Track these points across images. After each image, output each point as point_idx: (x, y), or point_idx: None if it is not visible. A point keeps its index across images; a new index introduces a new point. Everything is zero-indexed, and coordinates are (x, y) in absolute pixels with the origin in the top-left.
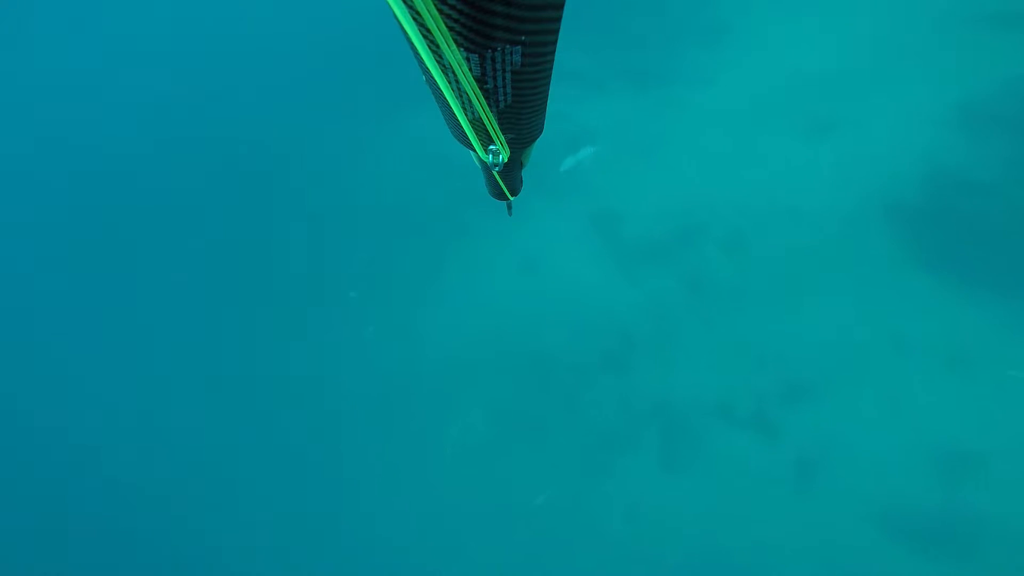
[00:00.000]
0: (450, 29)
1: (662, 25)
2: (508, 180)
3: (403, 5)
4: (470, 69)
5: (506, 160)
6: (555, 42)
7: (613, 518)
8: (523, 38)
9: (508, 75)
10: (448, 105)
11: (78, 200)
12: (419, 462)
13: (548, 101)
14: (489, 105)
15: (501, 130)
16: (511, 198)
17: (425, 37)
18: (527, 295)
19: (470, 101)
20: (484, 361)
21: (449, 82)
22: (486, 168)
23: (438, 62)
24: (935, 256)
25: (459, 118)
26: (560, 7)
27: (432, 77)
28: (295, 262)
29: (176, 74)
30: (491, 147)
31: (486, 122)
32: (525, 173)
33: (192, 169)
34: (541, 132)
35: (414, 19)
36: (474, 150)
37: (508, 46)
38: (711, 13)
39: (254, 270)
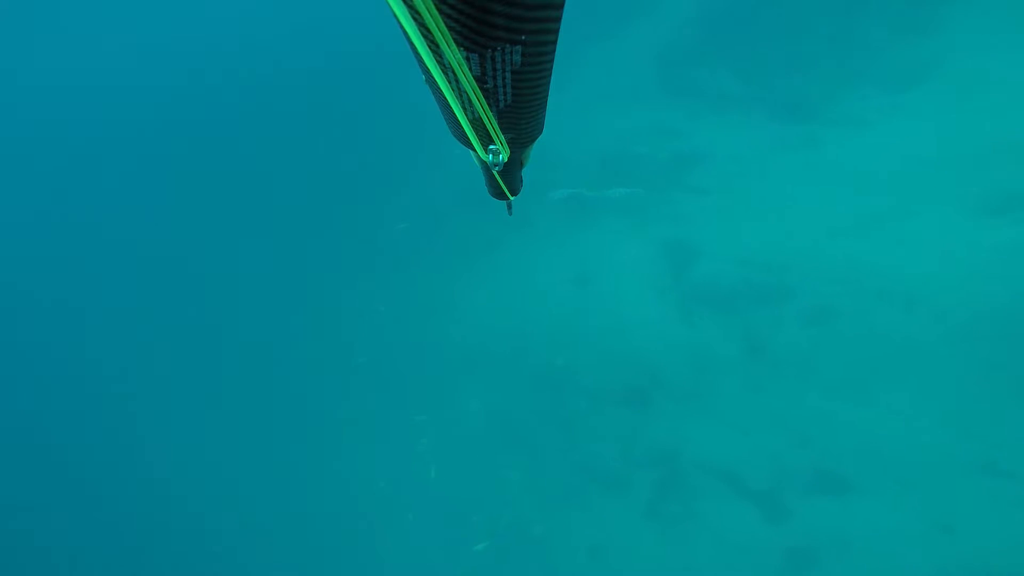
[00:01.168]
0: (450, 29)
1: (835, 53)
2: (508, 180)
3: (403, 5)
4: (470, 69)
5: (506, 160)
6: (555, 42)
7: (578, 551)
8: (523, 38)
9: (508, 75)
10: (448, 105)
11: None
12: (396, 454)
13: (548, 101)
14: (489, 105)
15: (501, 130)
16: (511, 198)
17: (425, 37)
18: (570, 308)
19: (470, 101)
20: (501, 359)
21: (449, 82)
22: (486, 168)
23: (438, 62)
24: None
25: (459, 118)
26: (560, 7)
27: (432, 77)
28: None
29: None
30: (491, 147)
31: (486, 122)
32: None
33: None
34: (541, 132)
35: (414, 19)
36: (474, 150)
37: (508, 46)
38: (904, 50)
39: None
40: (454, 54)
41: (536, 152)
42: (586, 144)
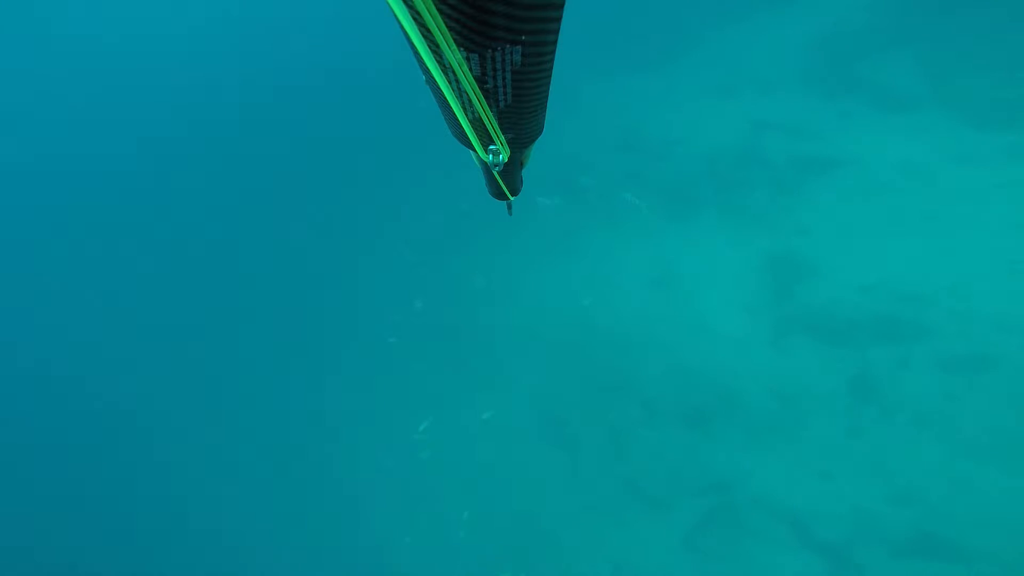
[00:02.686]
0: (450, 29)
1: None
2: (508, 180)
3: (403, 5)
4: (470, 69)
5: (506, 160)
6: (556, 42)
7: (603, 565)
8: (523, 38)
9: (508, 75)
10: (448, 105)
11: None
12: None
13: (549, 101)
14: (489, 105)
15: (501, 130)
16: (511, 198)
17: (425, 37)
18: (643, 309)
19: (470, 101)
20: (558, 353)
21: (449, 82)
22: (486, 168)
23: (438, 62)
24: None
25: (459, 118)
26: (560, 6)
27: (432, 77)
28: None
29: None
30: (491, 147)
31: (486, 122)
32: (525, 172)
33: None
34: (541, 132)
35: (414, 19)
36: (474, 150)
37: (508, 46)
38: None
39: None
40: (454, 54)
41: (637, 140)
42: (696, 135)
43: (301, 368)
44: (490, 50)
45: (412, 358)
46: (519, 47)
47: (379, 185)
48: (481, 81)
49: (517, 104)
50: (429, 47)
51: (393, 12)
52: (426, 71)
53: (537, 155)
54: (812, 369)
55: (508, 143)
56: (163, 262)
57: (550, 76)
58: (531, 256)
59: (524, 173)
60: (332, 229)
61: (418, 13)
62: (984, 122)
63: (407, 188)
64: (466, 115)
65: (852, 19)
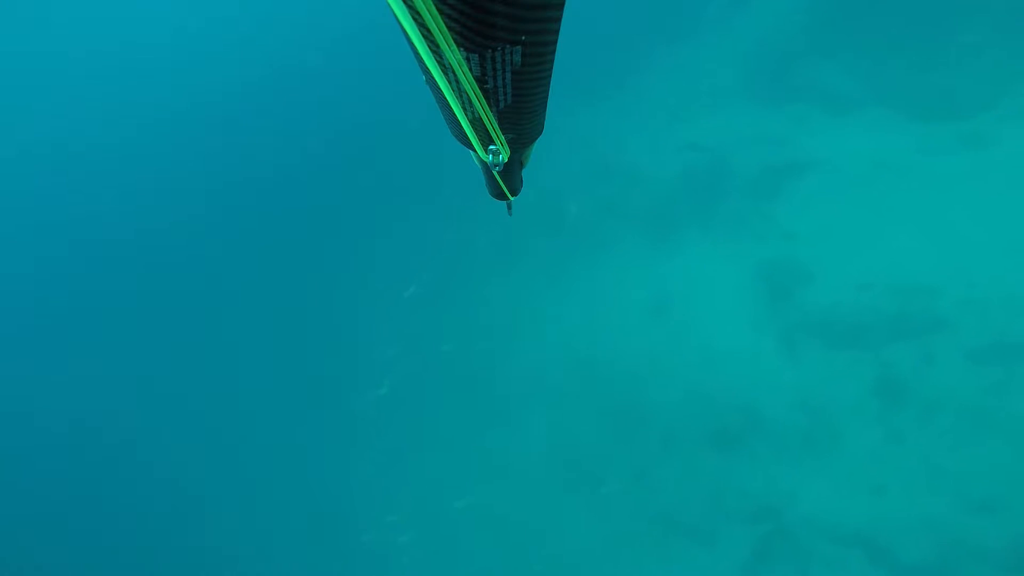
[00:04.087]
0: (450, 29)
1: (1007, 43)
2: (508, 180)
3: (403, 5)
4: (470, 69)
5: (506, 160)
6: (555, 42)
7: None
8: (523, 38)
9: (508, 75)
10: (448, 105)
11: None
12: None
13: (548, 101)
14: (489, 105)
15: (501, 130)
16: (511, 198)
17: (425, 37)
18: (645, 338)
19: (470, 101)
20: (565, 392)
21: (449, 82)
22: (486, 168)
23: (438, 62)
24: None
25: (459, 118)
26: (560, 7)
27: (432, 77)
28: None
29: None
30: (491, 147)
31: (486, 122)
32: (526, 173)
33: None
34: (541, 132)
35: (414, 19)
36: (474, 150)
37: (508, 46)
38: None
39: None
40: (454, 54)
41: (606, 169)
42: (662, 156)
43: (303, 419)
44: (490, 50)
45: (412, 406)
46: (519, 47)
47: (366, 227)
48: (481, 81)
49: (517, 104)
50: (429, 47)
51: (393, 12)
52: (426, 71)
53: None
54: (831, 376)
55: (508, 143)
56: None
57: (550, 76)
58: (523, 296)
59: (524, 173)
60: (325, 265)
61: (418, 13)
62: (927, 114)
63: (393, 236)
64: (466, 115)
65: (784, 27)
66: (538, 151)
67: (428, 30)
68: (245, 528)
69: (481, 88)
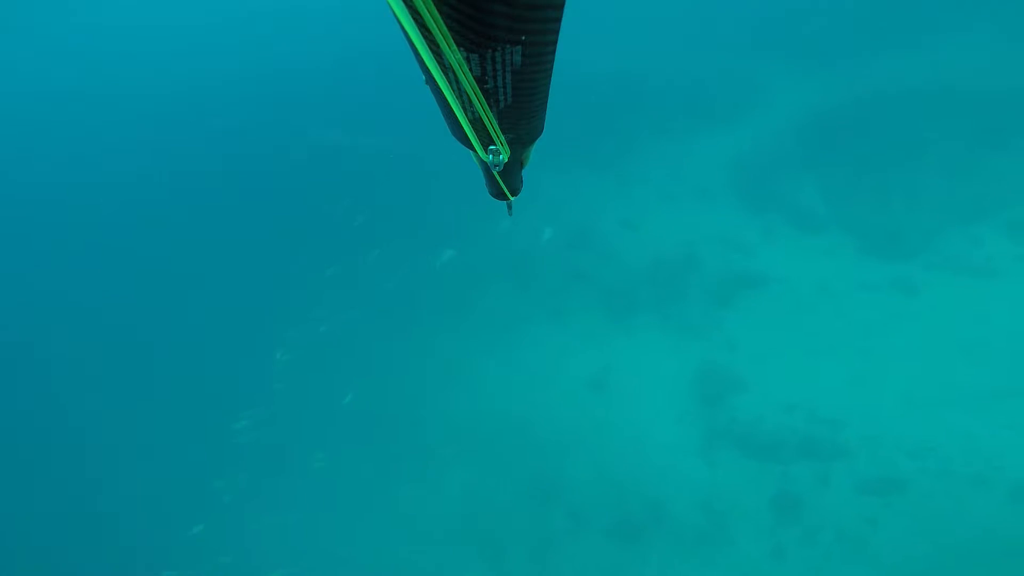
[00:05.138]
0: (450, 29)
1: (950, 184)
2: (508, 180)
3: (403, 5)
4: (470, 69)
5: (506, 160)
6: (556, 42)
7: None
8: (523, 38)
9: (508, 75)
10: (448, 105)
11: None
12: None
13: (548, 102)
14: (489, 105)
15: (501, 130)
16: (511, 198)
17: (425, 37)
18: (577, 413)
19: (470, 101)
20: (485, 452)
21: (449, 82)
22: (486, 168)
23: (438, 62)
24: None
25: (459, 118)
26: (560, 7)
27: (432, 77)
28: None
29: None
30: (491, 147)
31: (486, 122)
32: (524, 173)
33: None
34: (541, 132)
35: (414, 19)
36: (474, 150)
37: (508, 46)
38: None
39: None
40: (454, 54)
41: (580, 239)
42: (636, 239)
43: (204, 458)
44: (490, 50)
45: (339, 450)
46: (519, 47)
47: (307, 268)
48: (481, 81)
49: (517, 104)
50: (429, 47)
51: (393, 12)
52: (426, 71)
53: (494, 239)
54: (738, 483)
55: (508, 143)
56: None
57: (550, 77)
58: (472, 348)
59: (524, 173)
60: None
61: (418, 13)
62: (876, 250)
63: (345, 267)
64: (466, 115)
65: (772, 140)
66: (529, 205)
67: (428, 30)
68: None
69: (481, 88)
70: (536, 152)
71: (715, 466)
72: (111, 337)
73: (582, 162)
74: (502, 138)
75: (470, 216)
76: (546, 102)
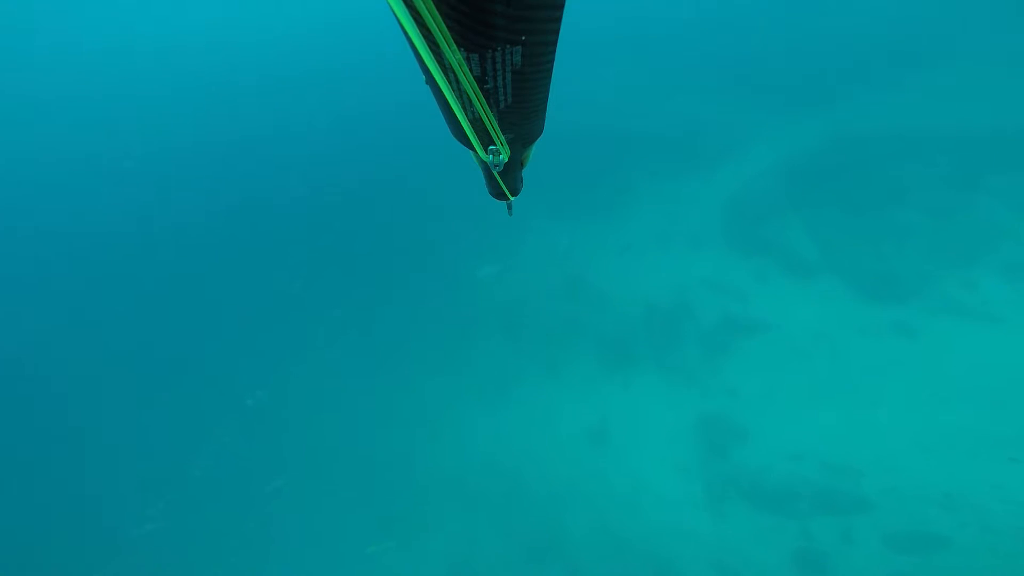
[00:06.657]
0: (450, 29)
1: (944, 227)
2: (508, 180)
3: (403, 5)
4: (470, 69)
5: (506, 160)
6: (555, 42)
7: None
8: (523, 38)
9: (508, 75)
10: (448, 105)
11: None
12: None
13: (548, 102)
14: (489, 105)
15: (501, 130)
16: (511, 198)
17: (425, 37)
18: (574, 464)
19: (470, 101)
20: (480, 507)
21: (449, 82)
22: (486, 168)
23: (438, 62)
24: None
25: (459, 118)
26: (560, 7)
27: (432, 77)
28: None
29: None
30: (491, 147)
31: (486, 122)
32: (525, 173)
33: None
34: (541, 132)
35: (414, 19)
36: (474, 150)
37: (508, 46)
38: None
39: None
40: (454, 54)
41: (575, 288)
42: (632, 287)
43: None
44: (490, 50)
45: (321, 494)
46: (519, 47)
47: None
48: (481, 81)
49: (517, 104)
50: (429, 47)
51: (393, 12)
52: (426, 71)
53: (486, 289)
54: (750, 537)
55: (508, 143)
56: None
57: (550, 77)
58: (461, 397)
59: (524, 174)
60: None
61: (418, 13)
62: (871, 294)
63: (340, 309)
64: (466, 115)
65: (765, 183)
66: (520, 255)
67: (428, 30)
68: None
69: (481, 88)
70: (524, 200)
71: (724, 520)
72: (112, 342)
73: (573, 210)
74: (502, 138)
75: (463, 263)
76: (546, 102)
